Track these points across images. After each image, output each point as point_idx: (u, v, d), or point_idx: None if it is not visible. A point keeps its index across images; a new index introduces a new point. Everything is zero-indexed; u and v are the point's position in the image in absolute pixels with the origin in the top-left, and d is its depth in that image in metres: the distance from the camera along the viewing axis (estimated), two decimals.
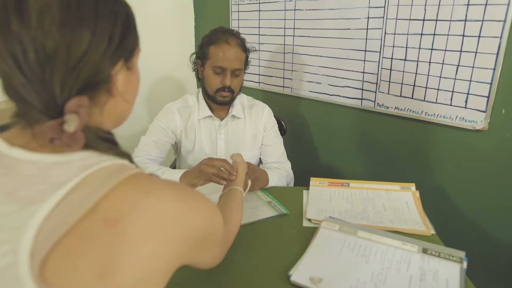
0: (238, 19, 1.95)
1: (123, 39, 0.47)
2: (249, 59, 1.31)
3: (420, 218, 0.98)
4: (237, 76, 1.26)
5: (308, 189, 1.15)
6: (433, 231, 0.92)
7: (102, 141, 0.47)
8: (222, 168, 0.99)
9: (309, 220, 0.98)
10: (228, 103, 1.32)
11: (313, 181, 1.18)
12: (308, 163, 1.77)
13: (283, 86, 1.80)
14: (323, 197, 1.11)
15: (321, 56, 1.59)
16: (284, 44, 1.73)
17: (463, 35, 1.15)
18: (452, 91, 1.22)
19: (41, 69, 0.41)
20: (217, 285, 0.75)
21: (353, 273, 0.75)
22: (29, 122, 0.45)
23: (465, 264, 0.76)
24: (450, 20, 1.17)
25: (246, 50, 1.27)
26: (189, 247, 0.48)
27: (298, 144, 1.81)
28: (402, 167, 1.44)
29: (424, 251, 0.80)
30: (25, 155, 0.44)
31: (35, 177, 0.42)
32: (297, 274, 0.75)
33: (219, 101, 1.28)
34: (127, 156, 0.49)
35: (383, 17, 1.34)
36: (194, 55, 1.31)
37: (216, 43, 1.21)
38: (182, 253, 0.47)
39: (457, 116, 1.23)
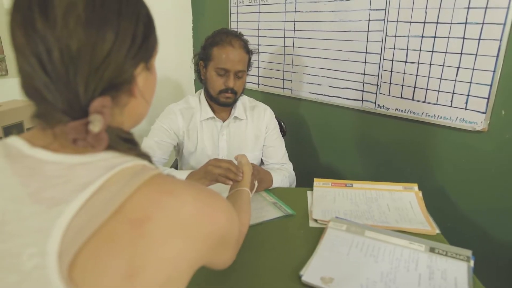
0: (237, 21, 1.96)
1: (145, 40, 0.47)
2: (251, 60, 1.31)
3: (424, 218, 1.00)
4: (240, 77, 1.26)
5: (311, 189, 1.16)
6: (438, 231, 0.93)
7: (123, 142, 0.47)
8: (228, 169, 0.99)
9: (315, 220, 0.98)
10: (231, 105, 1.32)
11: (317, 181, 1.19)
12: (308, 164, 1.78)
13: (283, 88, 1.81)
14: (327, 197, 1.11)
15: (321, 57, 1.60)
16: (284, 46, 1.74)
17: (464, 38, 1.17)
18: (453, 93, 1.23)
19: (65, 69, 0.41)
20: (229, 286, 0.75)
21: (363, 272, 0.76)
22: (50, 123, 0.44)
23: (472, 263, 0.77)
24: (451, 23, 1.19)
25: (249, 52, 1.27)
26: (210, 247, 0.48)
27: (298, 145, 1.82)
28: (402, 168, 1.46)
29: (432, 250, 0.81)
30: (48, 156, 0.43)
31: (59, 178, 0.42)
32: (308, 274, 0.75)
33: (222, 103, 1.28)
34: (146, 156, 0.49)
35: (384, 19, 1.35)
36: (197, 56, 1.31)
37: (219, 45, 1.21)
38: (203, 254, 0.47)
39: (457, 117, 1.24)
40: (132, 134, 0.49)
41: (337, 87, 1.57)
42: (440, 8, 1.20)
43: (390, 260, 0.79)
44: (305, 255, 0.83)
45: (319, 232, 0.92)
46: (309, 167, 1.76)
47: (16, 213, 0.39)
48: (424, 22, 1.25)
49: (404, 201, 1.09)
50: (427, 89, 1.30)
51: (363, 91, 1.49)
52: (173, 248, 0.42)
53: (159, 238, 0.41)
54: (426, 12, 1.24)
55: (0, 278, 0.37)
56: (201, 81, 1.35)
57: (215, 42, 1.23)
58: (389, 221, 0.98)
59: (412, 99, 1.34)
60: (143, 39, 0.46)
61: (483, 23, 1.12)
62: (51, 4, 0.40)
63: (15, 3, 0.42)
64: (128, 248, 0.40)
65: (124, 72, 0.45)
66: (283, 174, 1.29)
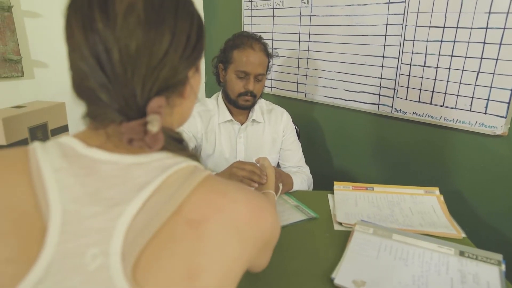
0: (251, 24, 1.96)
1: (198, 41, 0.47)
2: (270, 64, 1.32)
3: (449, 222, 0.99)
4: (260, 81, 1.26)
5: (330, 192, 1.16)
6: (464, 235, 0.93)
7: (175, 142, 0.47)
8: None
9: (340, 223, 0.98)
10: (250, 108, 1.32)
11: (337, 185, 1.19)
12: (322, 168, 1.77)
13: (297, 91, 1.82)
14: (348, 201, 1.11)
15: (337, 61, 1.60)
16: (299, 50, 1.75)
17: (484, 42, 1.18)
18: (472, 97, 1.24)
19: (123, 69, 0.41)
20: None
21: (394, 276, 0.76)
22: (102, 123, 0.44)
23: (503, 267, 0.77)
24: (471, 28, 1.19)
25: (268, 55, 1.27)
26: (258, 249, 0.48)
27: (311, 148, 1.81)
28: (420, 172, 1.45)
29: (461, 254, 0.81)
30: (104, 156, 0.43)
31: (116, 178, 0.42)
32: (340, 277, 0.75)
33: (241, 106, 1.28)
34: (195, 157, 0.49)
35: (402, 24, 1.36)
36: (216, 59, 1.32)
37: (240, 48, 1.22)
38: (253, 255, 0.47)
39: (476, 122, 1.25)
40: (181, 134, 0.49)
41: (353, 91, 1.58)
42: (460, 12, 1.21)
43: (420, 264, 0.79)
44: (333, 258, 0.82)
45: (345, 235, 0.92)
46: (323, 170, 1.76)
47: (77, 213, 0.39)
48: (444, 27, 1.25)
49: (426, 205, 1.09)
50: (445, 93, 1.30)
51: (379, 95, 1.49)
52: (228, 249, 0.42)
53: (215, 239, 0.41)
54: (445, 16, 1.24)
55: (64, 278, 0.37)
56: (219, 83, 1.35)
57: (236, 45, 1.23)
58: (413, 224, 0.98)
59: (430, 103, 1.34)
60: (196, 40, 0.46)
61: (504, 28, 1.13)
62: (111, 4, 0.40)
63: (73, 2, 0.42)
64: (188, 250, 0.40)
65: (178, 72, 0.45)
66: (301, 177, 1.29)
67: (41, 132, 1.01)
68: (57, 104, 1.06)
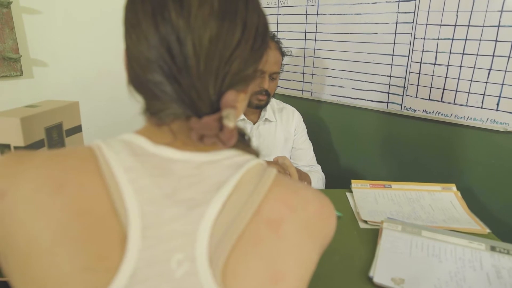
0: None
1: (265, 34, 0.45)
2: (282, 63, 1.31)
3: (471, 218, 1.00)
4: (274, 79, 1.25)
5: (347, 191, 1.16)
6: (488, 230, 0.93)
7: (242, 138, 0.45)
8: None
9: (365, 221, 0.98)
10: (263, 107, 1.31)
11: (355, 183, 1.19)
12: (332, 167, 1.77)
13: (302, 90, 1.81)
14: (368, 198, 1.11)
15: (344, 60, 1.60)
16: (305, 48, 1.74)
17: (496, 40, 1.19)
18: (484, 94, 1.25)
19: (196, 60, 0.38)
20: None
21: (432, 272, 0.75)
22: (165, 119, 0.42)
23: None
24: (483, 26, 1.21)
25: (283, 54, 1.26)
26: (323, 248, 0.47)
27: (319, 148, 1.80)
28: (431, 170, 1.47)
29: (492, 249, 0.82)
30: (175, 154, 0.41)
31: (191, 178, 0.40)
32: (378, 275, 0.74)
33: (255, 105, 1.27)
34: (259, 153, 0.47)
35: (413, 22, 1.37)
36: None
37: None
38: (319, 257, 0.46)
39: (488, 118, 1.26)
40: (244, 129, 0.47)
41: (361, 89, 1.58)
42: (472, 11, 1.22)
43: (454, 260, 0.79)
44: (366, 256, 0.82)
45: (373, 233, 0.91)
46: (332, 169, 1.75)
47: (157, 216, 0.37)
48: (455, 25, 1.27)
49: (445, 201, 1.09)
50: (456, 90, 1.31)
51: (388, 93, 1.50)
52: (304, 249, 0.41)
53: (293, 240, 0.40)
54: (457, 15, 1.26)
55: (151, 287, 0.34)
56: None
57: None
58: (437, 221, 0.98)
59: (441, 101, 1.36)
60: (264, 33, 0.45)
61: None
62: None
63: None
64: (271, 252, 0.38)
65: (248, 66, 0.43)
66: (317, 176, 1.28)
67: (57, 133, 0.97)
68: (71, 104, 1.01)
